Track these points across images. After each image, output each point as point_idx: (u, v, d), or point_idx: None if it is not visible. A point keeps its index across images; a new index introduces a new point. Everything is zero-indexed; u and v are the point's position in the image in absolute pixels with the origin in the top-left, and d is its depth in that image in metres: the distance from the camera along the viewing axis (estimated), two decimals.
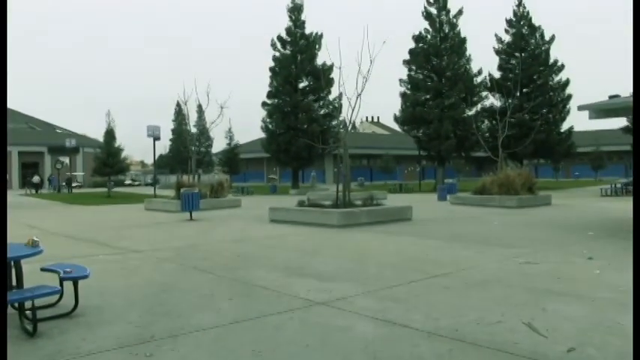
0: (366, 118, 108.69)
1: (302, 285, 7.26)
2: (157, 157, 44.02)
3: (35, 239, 5.95)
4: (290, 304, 6.22)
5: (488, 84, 41.57)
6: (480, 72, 42.14)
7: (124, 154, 42.97)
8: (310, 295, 6.66)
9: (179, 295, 6.82)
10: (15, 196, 42.01)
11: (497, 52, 43.11)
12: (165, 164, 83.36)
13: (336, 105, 42.34)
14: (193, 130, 55.17)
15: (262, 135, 46.03)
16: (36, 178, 53.06)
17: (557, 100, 41.74)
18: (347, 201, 16.45)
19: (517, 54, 42.34)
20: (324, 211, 15.64)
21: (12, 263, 5.81)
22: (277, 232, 14.06)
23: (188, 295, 6.80)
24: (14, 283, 5.85)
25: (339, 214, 15.08)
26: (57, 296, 6.10)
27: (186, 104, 28.43)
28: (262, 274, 8.06)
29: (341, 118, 40.81)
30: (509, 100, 38.81)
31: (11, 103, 68.59)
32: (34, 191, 49.99)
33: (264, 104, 43.98)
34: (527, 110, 38.47)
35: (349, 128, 18.39)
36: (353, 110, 16.64)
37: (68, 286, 6.08)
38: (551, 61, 42.34)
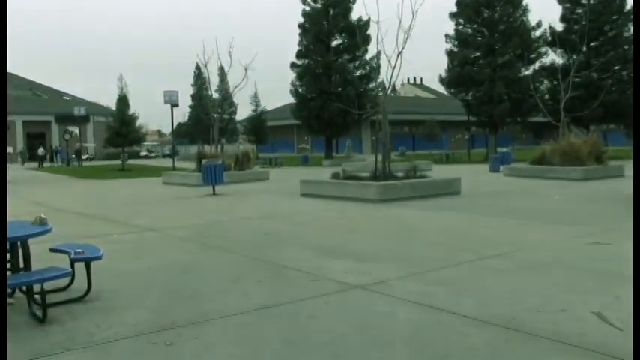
0: (408, 79, 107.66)
1: (338, 266, 7.26)
2: (175, 125, 44.36)
3: (43, 217, 6.05)
4: (324, 288, 6.23)
5: (549, 38, 40.33)
6: (539, 25, 40.96)
7: (139, 123, 43.48)
8: (347, 277, 6.66)
9: (201, 278, 6.89)
10: (20, 171, 42.97)
11: (561, 0, 41.81)
12: (184, 133, 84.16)
13: (374, 65, 41.92)
14: (215, 95, 55.42)
15: (291, 100, 46.01)
16: (40, 150, 54.17)
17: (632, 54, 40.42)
18: (387, 172, 16.39)
19: (584, 1, 40.92)
20: (361, 184, 15.62)
21: (19, 243, 5.93)
22: (310, 207, 14.14)
23: (211, 278, 6.87)
24: (22, 264, 5.97)
25: (379, 188, 15.03)
26: (68, 279, 6.21)
27: (206, 66, 28.69)
28: (293, 254, 8.10)
29: (379, 80, 40.48)
30: (574, 56, 37.78)
31: (12, 67, 69.83)
32: (38, 164, 50.98)
33: (293, 65, 43.86)
34: (596, 67, 37.29)
35: (389, 91, 18.20)
36: (393, 71, 16.49)
37: (80, 267, 6.18)
38: (628, 7, 40.45)
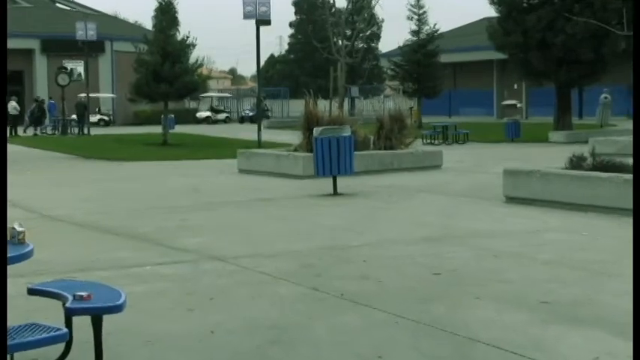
0: None
1: (581, 342, 7.19)
2: (263, 62, 45.22)
3: (19, 229, 6.24)
4: None
5: None
6: None
7: (196, 56, 44.34)
8: None
9: (308, 355, 6.97)
10: None
11: None
12: (280, 77, 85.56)
13: None
14: (340, 2, 55.15)
15: (488, 12, 45.65)
16: (12, 105, 54.74)
17: None
18: None
19: None
20: (628, 181, 15.24)
21: None
22: (521, 223, 14.07)
23: (327, 356, 6.95)
24: None
25: None
26: (61, 347, 6.43)
27: None
28: (490, 315, 8.09)
29: None
30: None
31: None
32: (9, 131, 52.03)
33: None
34: None
35: None
36: None
37: (83, 325, 6.40)
38: None
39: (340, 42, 30.06)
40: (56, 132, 54.43)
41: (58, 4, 79.67)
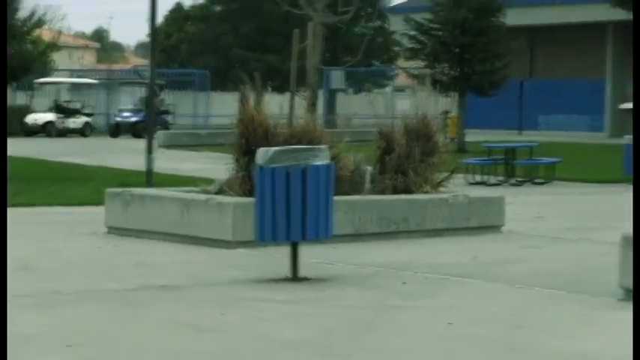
0: None
1: None
2: (161, 19, 46.00)
3: None
4: None
5: None
6: None
7: (28, 6, 44.73)
8: None
9: None
10: None
11: None
12: (195, 49, 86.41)
13: None
14: None
15: None
16: None
17: None
18: None
19: None
20: None
21: None
22: None
23: None
24: None
25: None
26: None
27: None
28: None
29: None
30: None
31: None
32: None
33: None
34: None
35: None
36: None
37: None
38: None
39: None
40: None
41: None
